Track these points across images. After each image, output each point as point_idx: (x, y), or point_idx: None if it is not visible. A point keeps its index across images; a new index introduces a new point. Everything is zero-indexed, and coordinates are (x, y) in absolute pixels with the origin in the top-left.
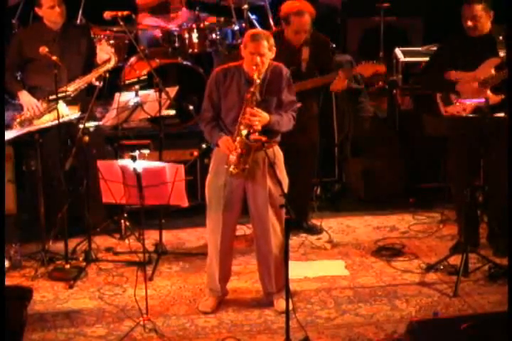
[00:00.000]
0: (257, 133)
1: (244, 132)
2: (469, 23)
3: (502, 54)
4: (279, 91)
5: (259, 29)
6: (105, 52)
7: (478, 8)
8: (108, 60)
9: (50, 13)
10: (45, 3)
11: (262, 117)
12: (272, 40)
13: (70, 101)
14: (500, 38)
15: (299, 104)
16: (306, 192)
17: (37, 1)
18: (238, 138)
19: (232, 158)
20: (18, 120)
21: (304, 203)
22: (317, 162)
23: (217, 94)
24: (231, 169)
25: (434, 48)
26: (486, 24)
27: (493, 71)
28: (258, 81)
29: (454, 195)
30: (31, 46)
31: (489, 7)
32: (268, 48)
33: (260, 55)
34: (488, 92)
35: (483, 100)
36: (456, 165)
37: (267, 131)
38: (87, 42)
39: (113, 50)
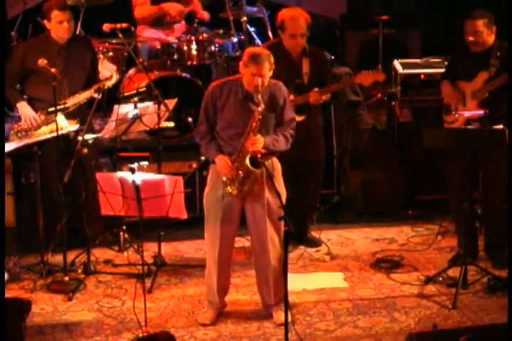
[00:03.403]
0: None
1: (247, 161)
2: (471, 38)
3: (492, 69)
4: (278, 109)
5: (258, 44)
6: (108, 70)
7: (481, 23)
8: (110, 77)
9: (58, 28)
10: (54, 18)
11: (261, 143)
12: (272, 59)
13: (69, 115)
14: (498, 54)
15: (301, 118)
16: (311, 204)
17: (46, 14)
18: (244, 164)
19: (228, 177)
20: (14, 130)
21: (308, 215)
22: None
23: (213, 108)
24: (230, 190)
25: (433, 60)
26: (488, 39)
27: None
28: (263, 106)
29: (452, 207)
30: (35, 58)
31: (492, 22)
32: (269, 69)
33: (262, 76)
34: (474, 104)
35: (481, 112)
36: (455, 177)
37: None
38: (91, 56)
39: (115, 67)
